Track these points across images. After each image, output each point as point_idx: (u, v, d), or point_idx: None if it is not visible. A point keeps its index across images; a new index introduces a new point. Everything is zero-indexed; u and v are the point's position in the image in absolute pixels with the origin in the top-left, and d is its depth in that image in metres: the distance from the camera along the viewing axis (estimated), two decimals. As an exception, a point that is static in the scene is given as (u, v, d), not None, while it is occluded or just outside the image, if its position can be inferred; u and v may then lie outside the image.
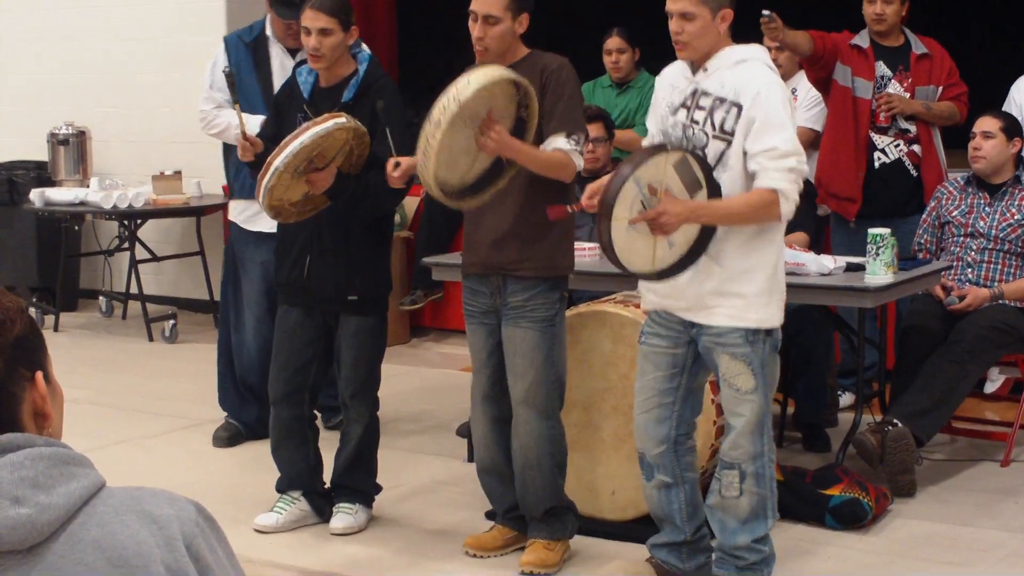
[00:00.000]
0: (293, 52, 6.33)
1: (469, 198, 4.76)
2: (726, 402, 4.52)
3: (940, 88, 6.90)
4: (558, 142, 4.74)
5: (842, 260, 5.80)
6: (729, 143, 4.36)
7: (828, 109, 7.00)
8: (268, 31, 6.45)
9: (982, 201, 6.40)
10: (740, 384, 4.43)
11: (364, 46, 5.42)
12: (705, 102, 4.41)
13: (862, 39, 6.89)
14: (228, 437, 6.63)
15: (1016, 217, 6.30)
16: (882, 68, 6.86)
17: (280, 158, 4.93)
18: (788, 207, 4.34)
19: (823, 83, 6.95)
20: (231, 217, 6.66)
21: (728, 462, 4.53)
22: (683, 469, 4.65)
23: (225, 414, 6.75)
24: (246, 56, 6.43)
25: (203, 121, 6.54)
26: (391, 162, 5.00)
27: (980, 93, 7.25)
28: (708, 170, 4.38)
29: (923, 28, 7.14)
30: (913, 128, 6.86)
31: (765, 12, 6.22)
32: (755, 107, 4.30)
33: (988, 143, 6.35)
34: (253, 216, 6.34)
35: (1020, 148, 6.41)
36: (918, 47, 6.93)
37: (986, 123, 6.39)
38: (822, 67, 6.83)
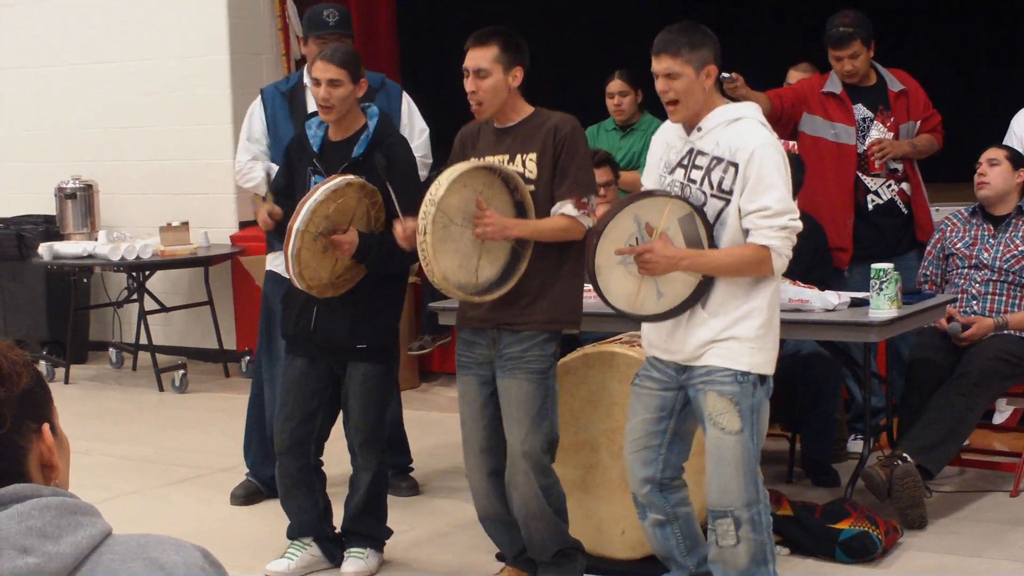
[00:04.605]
0: None
1: (495, 290, 4.81)
2: (710, 445, 4.44)
3: (918, 122, 6.87)
4: (566, 208, 4.79)
5: (846, 296, 5.80)
6: (728, 202, 4.39)
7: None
8: (306, 79, 6.44)
9: (986, 233, 6.41)
10: (725, 423, 4.38)
11: (375, 106, 5.44)
12: (702, 161, 4.44)
13: (833, 85, 6.81)
14: (244, 495, 6.47)
15: (1020, 248, 6.31)
16: (862, 110, 6.79)
17: (299, 220, 4.99)
18: (780, 262, 4.38)
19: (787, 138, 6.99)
20: (268, 267, 6.50)
21: (720, 511, 4.45)
22: (673, 505, 4.63)
23: (247, 471, 6.58)
24: (282, 104, 6.42)
25: (238, 173, 6.51)
26: (396, 224, 5.04)
27: (983, 124, 7.24)
28: (711, 234, 4.42)
29: (925, 59, 7.12)
30: (900, 167, 6.82)
31: (725, 74, 6.12)
32: (749, 167, 4.33)
33: (994, 170, 6.37)
34: None
35: None
36: (894, 84, 6.85)
37: (992, 152, 6.43)
38: (783, 125, 6.76)
